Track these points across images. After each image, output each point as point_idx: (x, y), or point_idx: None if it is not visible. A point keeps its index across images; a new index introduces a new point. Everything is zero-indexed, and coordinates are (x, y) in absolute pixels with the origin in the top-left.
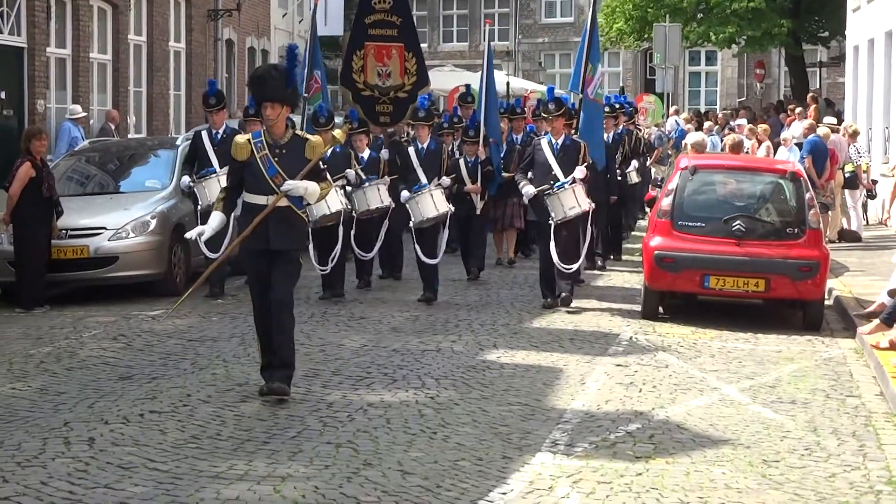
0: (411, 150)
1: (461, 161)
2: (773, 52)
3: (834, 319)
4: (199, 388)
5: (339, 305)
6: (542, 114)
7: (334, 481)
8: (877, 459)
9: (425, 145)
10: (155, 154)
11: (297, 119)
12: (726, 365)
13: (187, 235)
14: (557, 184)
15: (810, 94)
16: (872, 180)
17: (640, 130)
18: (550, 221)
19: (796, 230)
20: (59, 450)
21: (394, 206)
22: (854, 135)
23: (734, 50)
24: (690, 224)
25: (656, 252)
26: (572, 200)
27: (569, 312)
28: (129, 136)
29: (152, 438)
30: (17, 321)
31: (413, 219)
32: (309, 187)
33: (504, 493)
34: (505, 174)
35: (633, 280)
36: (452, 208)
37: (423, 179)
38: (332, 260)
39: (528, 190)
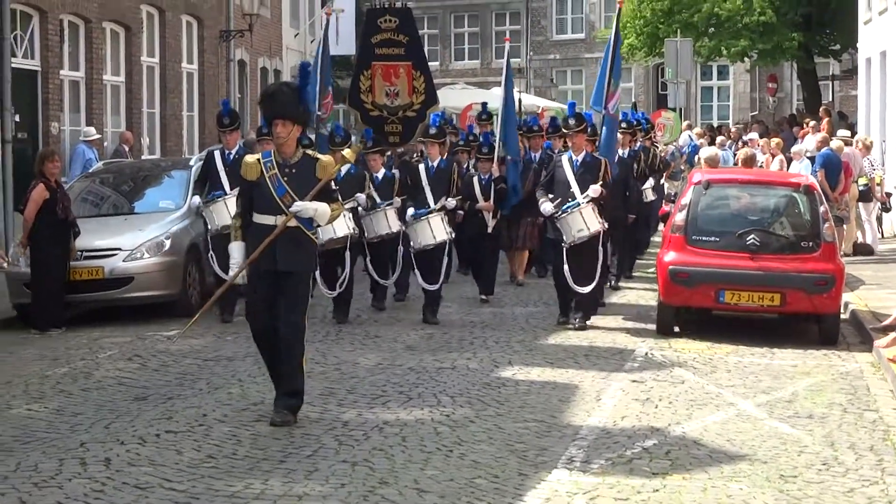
0: (421, 167)
1: (475, 178)
2: (785, 65)
3: (850, 333)
4: (215, 407)
5: (353, 324)
6: (563, 129)
7: (351, 500)
8: (895, 473)
9: (435, 163)
10: (169, 175)
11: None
12: (742, 380)
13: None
14: (565, 206)
15: (823, 108)
16: (887, 193)
17: (656, 147)
18: (563, 244)
19: (811, 244)
20: (75, 470)
21: (404, 228)
22: (868, 147)
23: (746, 64)
24: (704, 239)
25: (671, 267)
26: (580, 223)
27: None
28: (143, 157)
29: (168, 458)
30: (33, 342)
31: (412, 244)
32: (319, 208)
33: None
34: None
35: (648, 296)
36: (452, 235)
37: (430, 198)
38: (340, 286)
39: (546, 207)
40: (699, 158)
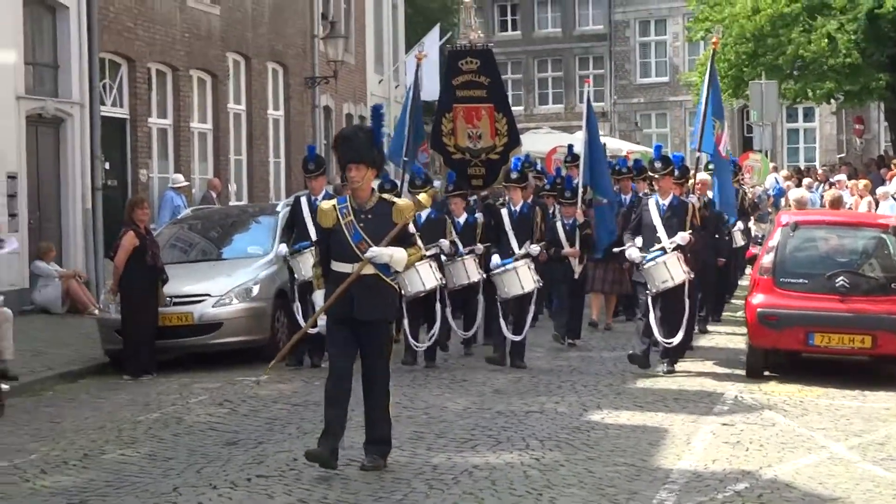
0: (504, 212)
1: (558, 224)
2: (871, 106)
3: None
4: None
5: (441, 369)
6: (649, 172)
7: None
8: None
9: (518, 208)
10: (256, 221)
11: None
12: (834, 423)
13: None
14: (649, 256)
15: None
16: None
17: (744, 189)
18: (648, 292)
19: None
20: None
21: (485, 276)
22: None
23: (832, 106)
24: (793, 281)
25: (759, 310)
26: (665, 274)
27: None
28: (231, 203)
29: (260, 502)
30: (125, 388)
31: (498, 293)
32: (395, 254)
33: None
34: None
35: (737, 339)
36: (540, 283)
37: (514, 244)
38: (430, 339)
39: (632, 253)
40: (787, 200)
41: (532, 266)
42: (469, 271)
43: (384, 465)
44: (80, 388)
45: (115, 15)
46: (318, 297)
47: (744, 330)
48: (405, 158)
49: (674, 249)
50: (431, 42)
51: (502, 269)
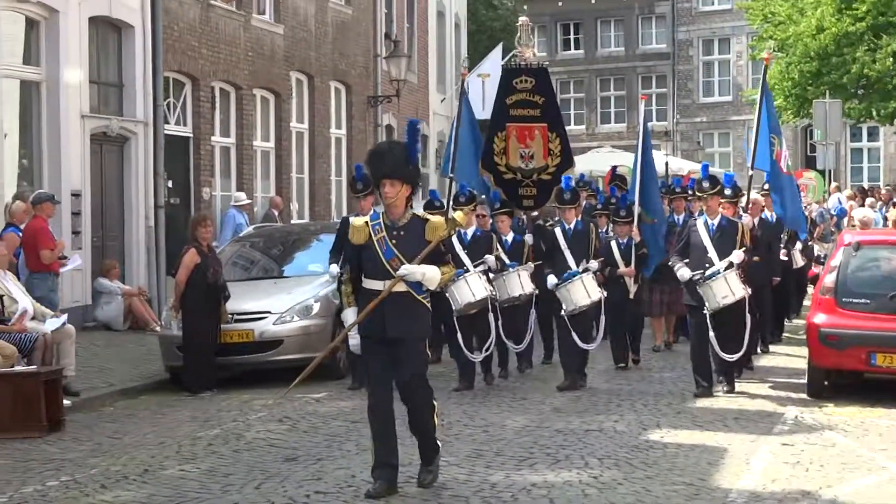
0: (558, 230)
1: (613, 243)
2: None
3: None
4: (363, 468)
5: (500, 386)
6: (696, 192)
7: None
8: None
9: (572, 226)
10: (317, 239)
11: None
12: (895, 443)
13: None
14: (708, 272)
15: None
16: None
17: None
18: (705, 311)
19: None
20: None
21: (538, 291)
22: None
23: None
24: (855, 301)
25: (821, 329)
26: (725, 289)
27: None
28: (292, 221)
29: None
30: (185, 404)
31: (564, 308)
32: (427, 272)
33: None
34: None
35: (798, 359)
36: (605, 294)
37: (571, 262)
38: (486, 350)
39: (683, 273)
40: (850, 220)
41: (595, 278)
42: (523, 282)
43: (436, 475)
44: (141, 404)
45: (179, 34)
46: (349, 315)
47: (804, 350)
48: (451, 174)
49: (727, 268)
50: (494, 61)
51: (568, 280)
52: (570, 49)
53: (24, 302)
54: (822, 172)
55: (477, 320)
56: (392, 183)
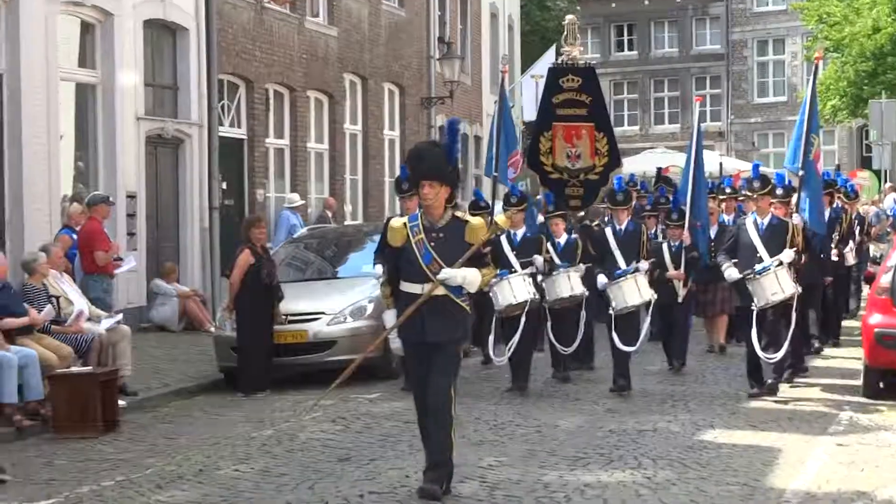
0: (608, 230)
1: (664, 245)
2: None
3: None
4: (417, 469)
5: (554, 386)
6: (747, 192)
7: None
8: None
9: (623, 226)
10: (371, 240)
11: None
12: None
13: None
14: (759, 267)
15: None
16: None
17: (852, 208)
18: (753, 307)
19: None
20: None
21: (587, 294)
22: None
23: None
24: None
25: (876, 330)
26: (775, 285)
27: (791, 386)
28: (346, 222)
29: None
30: (239, 405)
31: (614, 305)
32: (468, 275)
33: None
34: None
35: (853, 359)
36: (656, 295)
37: (621, 262)
38: (509, 350)
39: (731, 273)
40: None
41: (646, 279)
42: (573, 283)
43: (441, 491)
44: (195, 405)
45: (233, 37)
46: (388, 317)
47: (860, 351)
48: (495, 174)
49: (777, 266)
50: (547, 63)
51: (619, 279)
52: (623, 50)
53: (80, 303)
54: (877, 172)
55: (506, 321)
56: (431, 184)
